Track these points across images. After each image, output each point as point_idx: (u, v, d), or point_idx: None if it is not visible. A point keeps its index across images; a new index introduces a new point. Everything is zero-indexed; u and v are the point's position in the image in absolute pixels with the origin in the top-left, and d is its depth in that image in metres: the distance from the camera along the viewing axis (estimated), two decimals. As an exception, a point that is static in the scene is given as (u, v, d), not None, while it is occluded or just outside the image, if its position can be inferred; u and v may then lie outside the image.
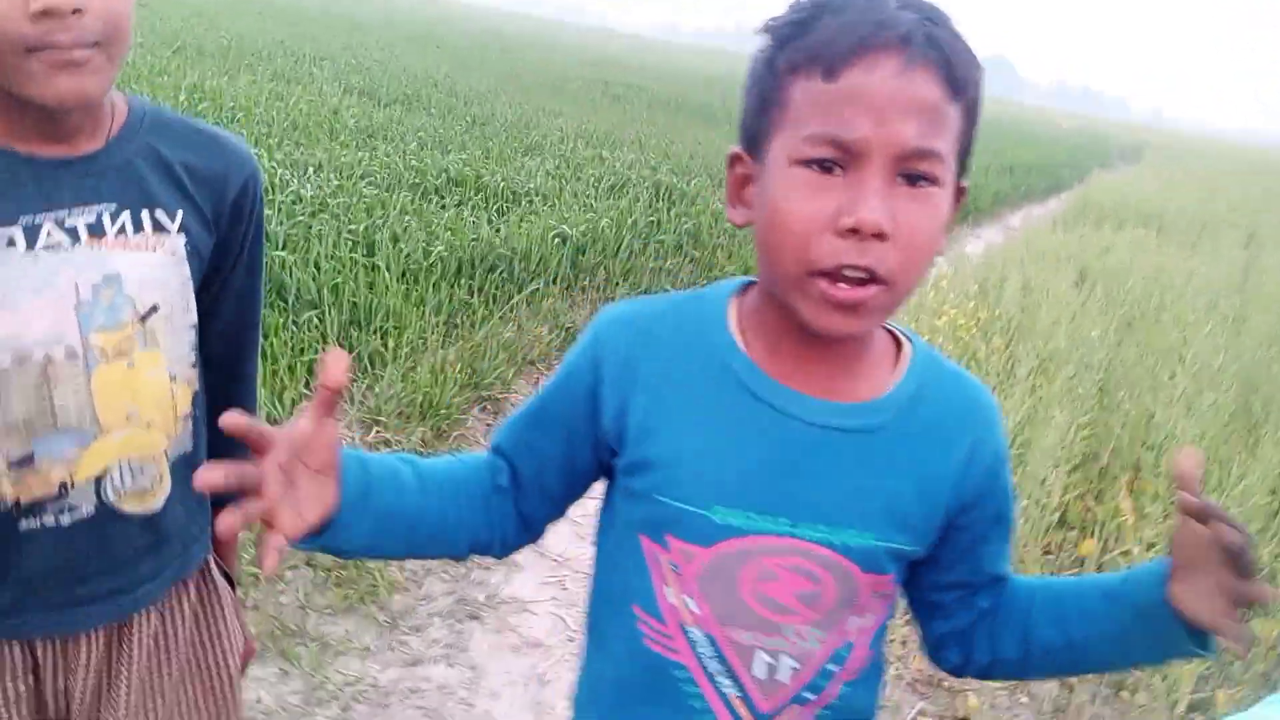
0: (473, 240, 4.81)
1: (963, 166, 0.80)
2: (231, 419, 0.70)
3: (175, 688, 1.12)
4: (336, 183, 5.38)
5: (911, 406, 0.84)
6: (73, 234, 0.92)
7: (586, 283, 5.21)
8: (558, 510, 0.96)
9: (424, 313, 4.08)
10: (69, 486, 0.96)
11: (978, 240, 9.86)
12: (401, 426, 3.39)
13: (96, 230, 0.93)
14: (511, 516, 0.93)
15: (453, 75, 14.15)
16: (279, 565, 0.72)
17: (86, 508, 0.97)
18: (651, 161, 8.67)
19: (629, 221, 5.91)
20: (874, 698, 0.93)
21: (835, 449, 0.82)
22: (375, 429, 3.35)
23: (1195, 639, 0.80)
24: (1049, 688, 2.50)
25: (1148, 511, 2.94)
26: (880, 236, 0.73)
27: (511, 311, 4.52)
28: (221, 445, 1.02)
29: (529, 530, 0.95)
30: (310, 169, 5.60)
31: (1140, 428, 3.41)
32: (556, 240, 5.24)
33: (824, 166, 0.74)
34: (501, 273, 4.74)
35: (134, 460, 0.99)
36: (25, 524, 0.95)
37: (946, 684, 2.51)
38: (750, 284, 0.89)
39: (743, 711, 0.86)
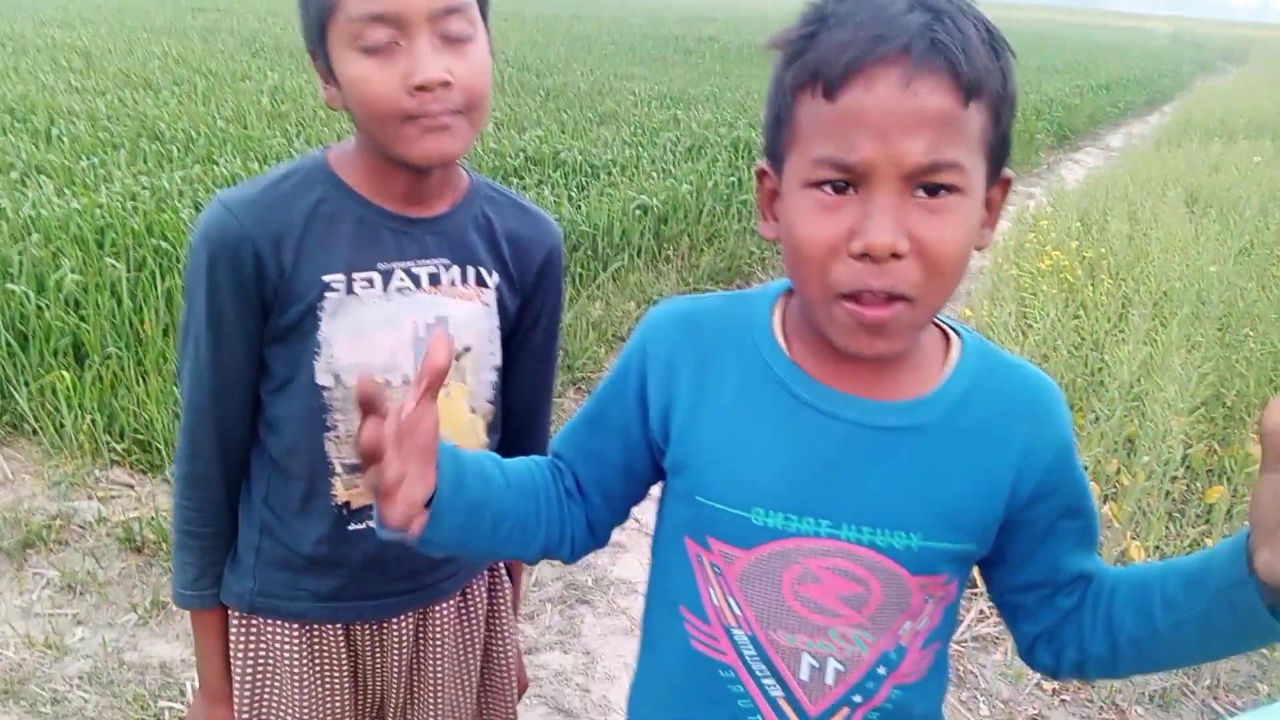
0: (555, 220, 4.82)
1: (998, 161, 0.76)
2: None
3: (470, 670, 1.28)
4: (418, 173, 5.45)
5: (962, 403, 0.81)
6: (416, 280, 1.08)
7: (671, 252, 5.18)
8: (620, 515, 0.97)
9: (513, 298, 4.12)
10: None
11: (1076, 167, 9.40)
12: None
13: (435, 280, 1.09)
14: (580, 520, 0.94)
15: (524, 49, 14.15)
16: (404, 514, 0.77)
17: None
18: (728, 117, 8.53)
19: (709, 184, 5.83)
20: (935, 703, 0.91)
21: (879, 448, 0.80)
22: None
23: None
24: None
25: None
26: (896, 256, 0.71)
27: (598, 289, 4.53)
28: None
29: (595, 536, 0.96)
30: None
31: (1267, 366, 3.21)
32: (638, 212, 5.21)
33: (835, 187, 0.73)
34: (585, 250, 4.75)
35: None
36: (354, 525, 1.12)
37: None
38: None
39: (789, 713, 0.85)
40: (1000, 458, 0.82)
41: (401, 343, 1.07)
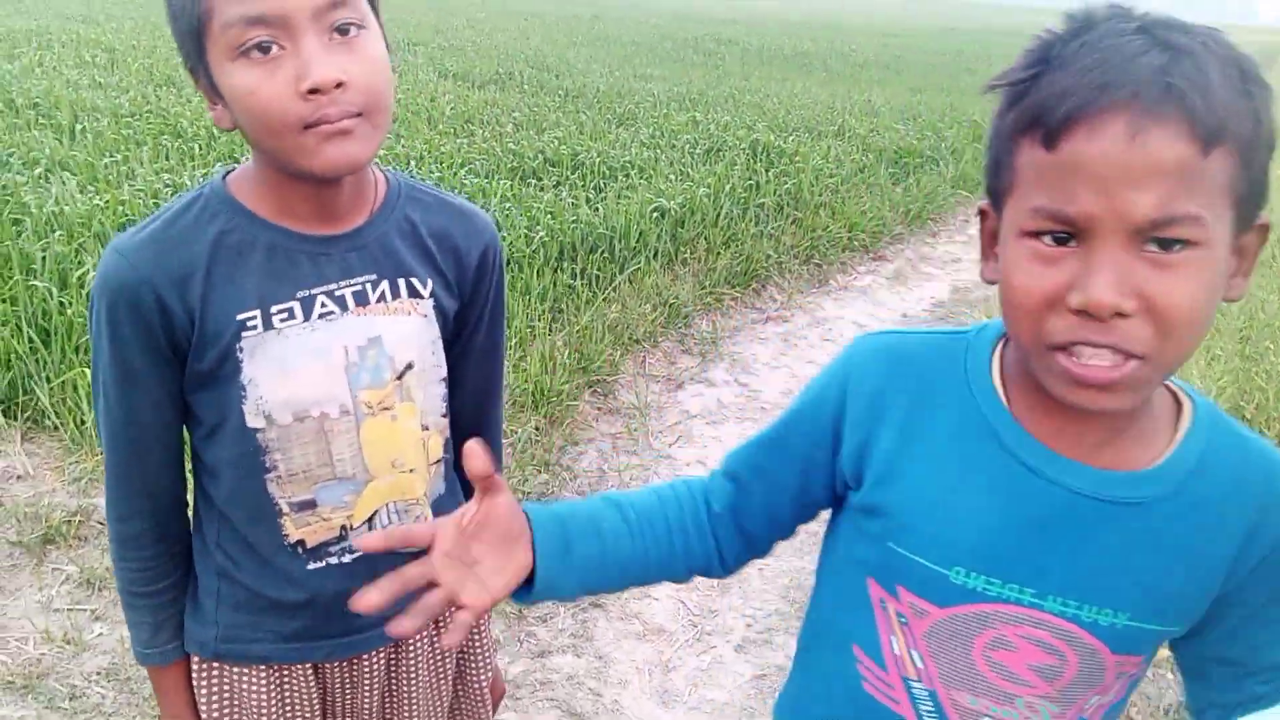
0: (572, 222, 4.83)
1: (1251, 207, 0.70)
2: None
3: (443, 695, 1.25)
4: (438, 174, 5.47)
5: (1188, 479, 0.76)
6: (341, 303, 1.01)
7: (688, 255, 5.18)
8: (786, 533, 0.95)
9: (529, 301, 4.13)
10: (349, 529, 1.08)
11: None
12: (515, 416, 3.46)
13: (361, 299, 1.02)
14: (733, 538, 0.92)
15: (543, 49, 14.17)
16: (460, 640, 0.79)
17: None
18: (747, 120, 8.52)
19: (726, 188, 5.83)
20: None
21: (1095, 520, 0.76)
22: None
23: None
24: None
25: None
26: (1121, 315, 0.66)
27: (614, 292, 4.53)
28: (465, 488, 1.19)
29: (753, 549, 0.95)
30: (412, 162, 5.71)
31: (1287, 379, 3.19)
32: (655, 215, 5.22)
33: (1056, 239, 0.69)
34: (602, 253, 4.75)
35: (398, 503, 1.10)
36: (313, 564, 1.07)
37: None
38: None
39: None
40: (1222, 542, 0.77)
41: (334, 372, 1.01)
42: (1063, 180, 0.67)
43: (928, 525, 0.79)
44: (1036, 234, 0.69)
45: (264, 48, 0.87)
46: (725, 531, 0.92)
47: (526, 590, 0.82)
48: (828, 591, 0.92)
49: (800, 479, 0.89)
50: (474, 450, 0.76)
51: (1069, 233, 0.68)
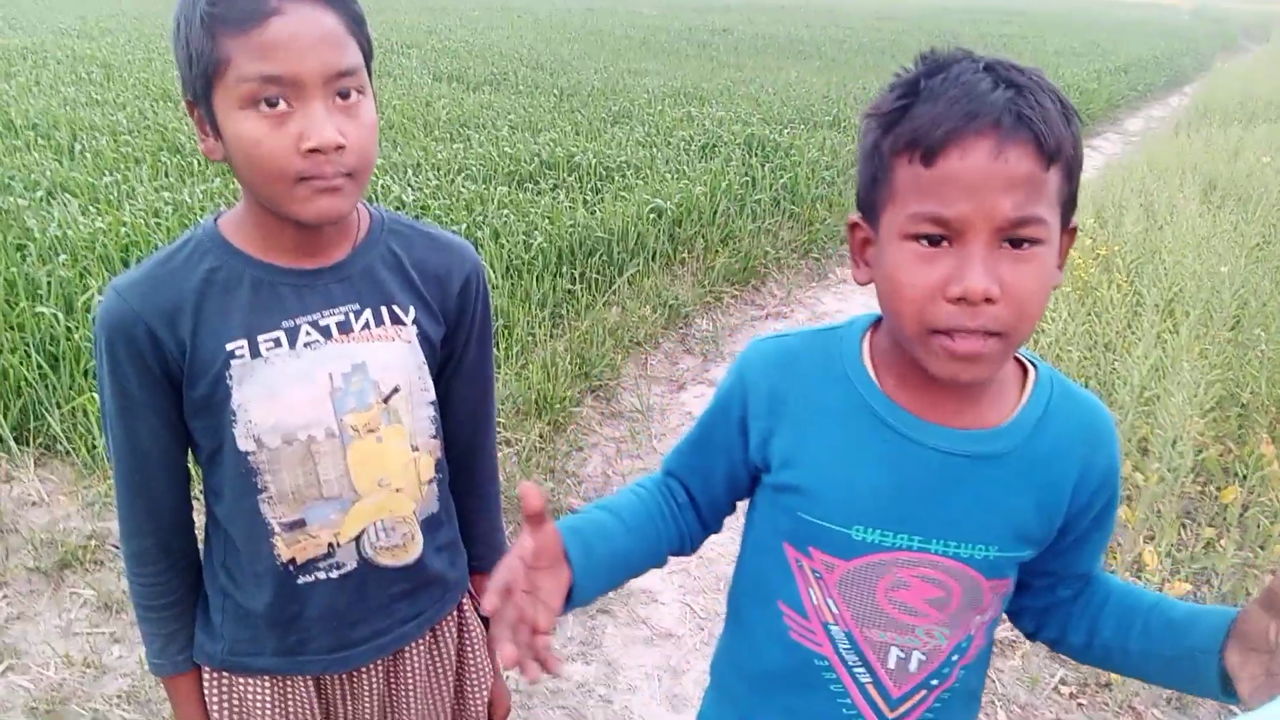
0: (570, 226, 4.87)
1: (1070, 212, 0.86)
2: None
3: (444, 708, 1.31)
4: (435, 182, 5.51)
5: (1035, 432, 0.92)
6: (325, 332, 1.08)
7: (686, 254, 5.21)
8: (729, 510, 1.11)
9: (530, 308, 4.17)
10: (336, 546, 1.14)
11: (1095, 154, 9.31)
12: (519, 424, 3.50)
13: (345, 327, 1.09)
14: (693, 523, 1.08)
15: (537, 47, 14.17)
16: (544, 672, 0.86)
17: (350, 563, 1.15)
18: (742, 114, 8.53)
19: (723, 185, 5.85)
20: (984, 676, 1.06)
21: (963, 473, 0.91)
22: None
23: (1228, 693, 0.88)
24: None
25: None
26: (989, 301, 0.80)
27: (614, 295, 4.57)
28: (464, 506, 1.29)
29: (708, 529, 1.10)
30: (409, 170, 5.74)
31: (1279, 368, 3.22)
32: (652, 215, 5.25)
33: (931, 240, 0.82)
34: (601, 256, 4.79)
35: (386, 521, 1.16)
36: (303, 579, 1.13)
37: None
38: (880, 319, 0.97)
39: (876, 696, 0.99)
40: (1064, 480, 0.93)
41: (319, 397, 1.07)
42: (940, 190, 0.81)
43: (829, 494, 0.94)
44: (916, 237, 0.83)
45: (272, 102, 0.94)
46: (686, 517, 1.07)
47: (566, 600, 0.92)
48: (751, 558, 1.06)
49: (727, 469, 1.04)
50: (529, 492, 0.83)
51: (943, 235, 0.82)
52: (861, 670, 0.98)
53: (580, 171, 6.14)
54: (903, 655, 0.97)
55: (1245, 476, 2.88)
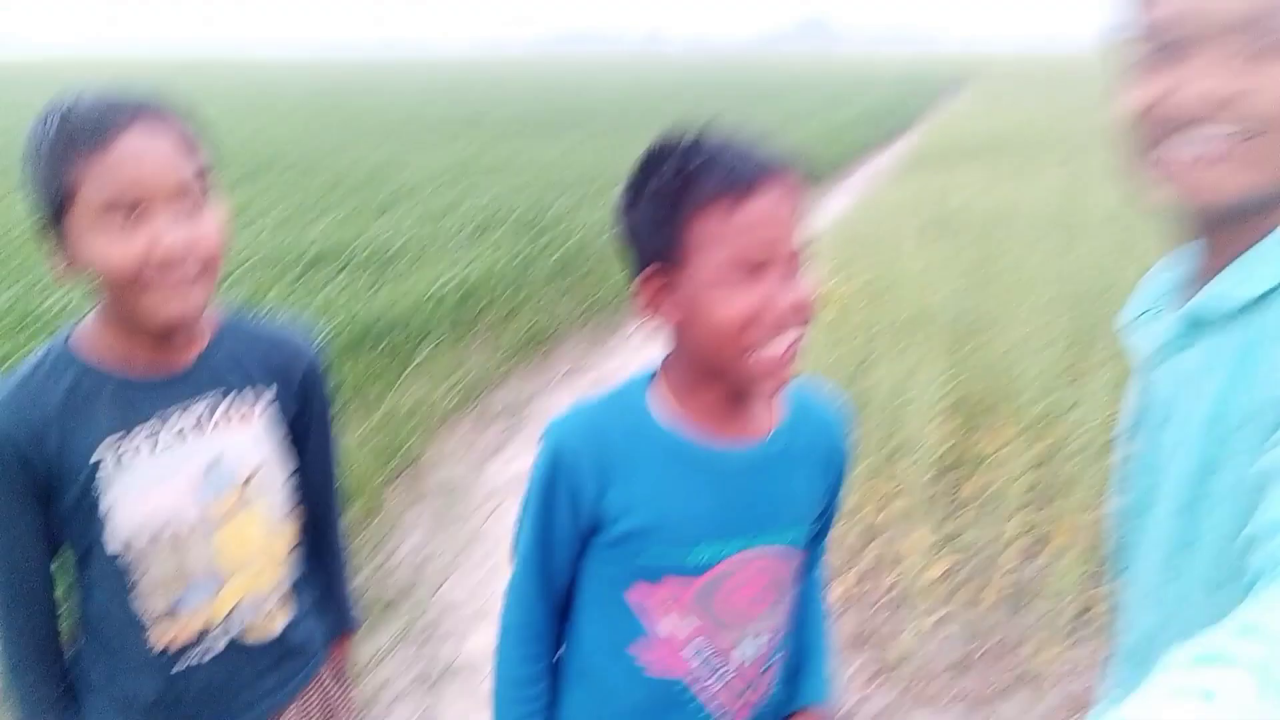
0: (352, 318, 4.91)
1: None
2: None
3: None
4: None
5: (793, 433, 1.12)
6: (183, 431, 1.15)
7: (478, 330, 5.36)
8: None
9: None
10: (207, 631, 1.20)
11: (825, 212, 10.11)
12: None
13: (202, 422, 1.17)
14: (555, 634, 1.18)
15: (291, 140, 13.92)
16: None
17: (220, 645, 1.22)
18: (512, 190, 8.81)
19: (499, 265, 6.07)
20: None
21: (759, 476, 1.09)
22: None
23: None
24: (974, 619, 2.80)
25: (1013, 446, 3.29)
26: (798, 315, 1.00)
27: (412, 375, 4.63)
28: (314, 569, 1.37)
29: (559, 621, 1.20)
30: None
31: (998, 366, 3.80)
32: (434, 299, 5.37)
33: (742, 274, 0.97)
34: (389, 341, 4.85)
35: (252, 597, 1.23)
36: (176, 668, 1.19)
37: (875, 639, 2.79)
38: (661, 366, 1.11)
39: (724, 698, 1.13)
40: (820, 468, 1.15)
41: (183, 491, 1.15)
42: (746, 232, 0.95)
43: (669, 526, 1.07)
44: (729, 275, 0.96)
45: (124, 216, 1.02)
46: (550, 643, 1.18)
47: None
48: (591, 620, 1.15)
49: (569, 552, 1.12)
50: None
51: (750, 269, 0.96)
52: (718, 676, 1.12)
53: (356, 261, 6.16)
54: (754, 638, 1.12)
55: (983, 471, 3.34)
